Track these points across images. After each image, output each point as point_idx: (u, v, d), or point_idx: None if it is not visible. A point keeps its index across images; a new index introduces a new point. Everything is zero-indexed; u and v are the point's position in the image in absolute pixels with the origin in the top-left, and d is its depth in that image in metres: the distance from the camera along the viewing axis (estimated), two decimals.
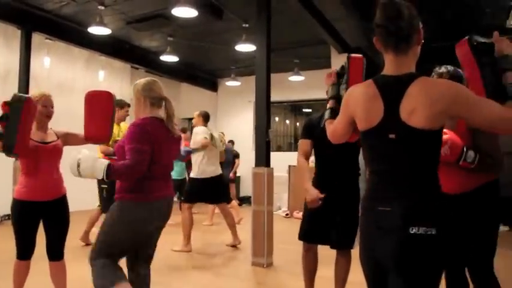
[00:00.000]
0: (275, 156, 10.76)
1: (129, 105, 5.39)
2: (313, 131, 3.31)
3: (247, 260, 5.09)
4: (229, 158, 9.56)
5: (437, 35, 7.86)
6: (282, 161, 9.44)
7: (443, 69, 2.59)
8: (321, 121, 2.87)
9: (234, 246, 5.92)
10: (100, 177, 2.44)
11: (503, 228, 8.03)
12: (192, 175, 5.77)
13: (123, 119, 5.38)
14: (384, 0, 1.71)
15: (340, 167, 3.26)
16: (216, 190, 5.78)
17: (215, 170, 5.78)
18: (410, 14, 1.68)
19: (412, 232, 1.59)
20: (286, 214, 9.28)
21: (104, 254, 2.51)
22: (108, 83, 10.08)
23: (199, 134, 5.71)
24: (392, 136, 1.65)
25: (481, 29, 7.32)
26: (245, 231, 6.00)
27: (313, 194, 3.13)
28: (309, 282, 3.42)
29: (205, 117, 5.91)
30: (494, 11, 6.82)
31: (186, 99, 12.97)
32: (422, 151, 1.65)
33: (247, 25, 7.62)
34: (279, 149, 12.08)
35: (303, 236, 3.33)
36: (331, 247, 3.28)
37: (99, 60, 9.79)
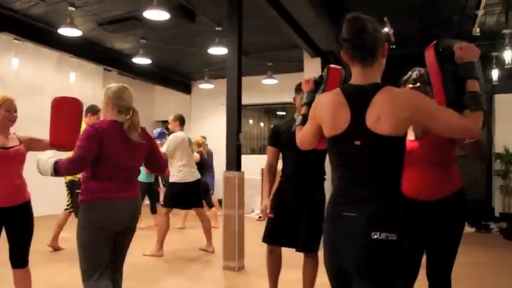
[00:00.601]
0: (248, 159, 10.73)
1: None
2: (280, 138, 3.42)
3: (219, 263, 5.08)
4: (210, 162, 9.58)
5: (408, 41, 8.05)
6: (255, 163, 9.46)
7: (423, 70, 2.50)
8: (292, 126, 2.98)
9: (207, 251, 5.91)
10: (49, 174, 2.55)
11: (470, 229, 8.26)
12: (172, 180, 5.73)
13: None
14: (349, 16, 1.77)
15: (306, 171, 3.32)
16: (194, 195, 5.77)
17: (194, 174, 5.78)
18: (374, 29, 1.75)
19: (374, 237, 1.64)
20: (259, 217, 9.28)
21: (90, 270, 2.59)
22: (80, 85, 9.91)
23: (167, 144, 5.64)
24: (357, 143, 1.71)
25: (450, 36, 7.49)
26: (217, 235, 6.00)
27: (264, 207, 3.41)
28: (272, 283, 3.52)
29: (181, 121, 5.91)
30: (461, 19, 7.01)
31: (160, 102, 12.90)
32: (386, 157, 1.71)
33: (220, 28, 7.62)
34: (253, 151, 12.08)
35: (265, 237, 3.43)
36: (296, 250, 3.36)
37: (70, 61, 9.59)
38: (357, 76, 1.79)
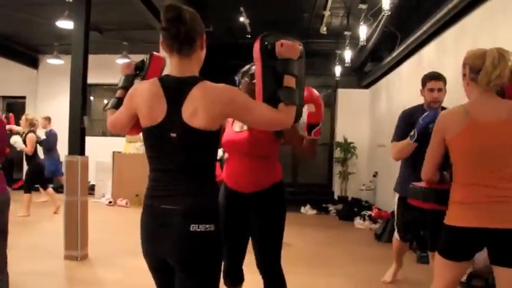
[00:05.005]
0: (99, 142, 10.24)
1: None
2: None
3: (59, 253, 4.74)
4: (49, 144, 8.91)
5: (263, 32, 8.30)
6: (106, 146, 9.07)
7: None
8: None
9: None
10: None
11: (311, 211, 9.00)
12: None
13: None
14: (166, 4, 1.72)
15: None
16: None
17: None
18: (191, 19, 1.73)
19: (192, 230, 1.67)
20: (110, 202, 8.95)
21: None
22: None
23: None
24: (173, 135, 1.70)
25: (301, 32, 7.93)
26: (58, 223, 5.61)
27: None
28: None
29: None
30: (311, 16, 7.50)
31: (2, 76, 11.50)
32: (201, 150, 1.74)
33: (70, 0, 7.06)
34: (104, 134, 11.46)
35: None
36: None
37: None
38: (175, 67, 1.78)
